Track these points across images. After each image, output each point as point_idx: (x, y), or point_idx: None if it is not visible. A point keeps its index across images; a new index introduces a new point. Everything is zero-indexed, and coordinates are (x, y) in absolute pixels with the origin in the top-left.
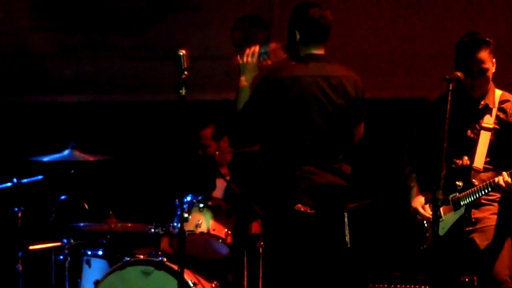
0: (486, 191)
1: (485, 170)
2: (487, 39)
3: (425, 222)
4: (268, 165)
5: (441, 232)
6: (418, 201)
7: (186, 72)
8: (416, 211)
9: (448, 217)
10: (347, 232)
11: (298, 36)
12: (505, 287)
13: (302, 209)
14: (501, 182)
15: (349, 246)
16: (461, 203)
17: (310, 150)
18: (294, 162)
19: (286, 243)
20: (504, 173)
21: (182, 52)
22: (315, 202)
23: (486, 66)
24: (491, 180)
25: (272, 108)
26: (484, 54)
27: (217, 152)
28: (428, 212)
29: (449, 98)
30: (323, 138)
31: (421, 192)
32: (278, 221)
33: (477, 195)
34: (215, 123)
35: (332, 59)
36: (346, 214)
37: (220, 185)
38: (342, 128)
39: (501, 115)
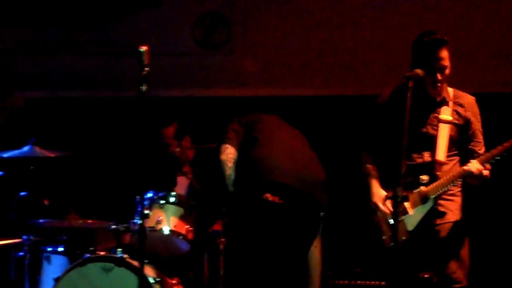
0: (453, 182)
1: (447, 162)
2: (445, 38)
3: (390, 220)
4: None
5: (410, 227)
6: (378, 196)
7: (147, 69)
8: (376, 206)
9: (416, 211)
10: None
11: None
12: (457, 284)
13: (270, 199)
14: (473, 169)
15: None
16: (430, 196)
17: None
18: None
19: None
20: (474, 161)
21: (143, 48)
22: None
23: (446, 63)
24: (462, 169)
25: None
26: (444, 52)
27: (177, 149)
28: (389, 207)
29: (409, 95)
30: None
31: (382, 188)
32: (246, 211)
33: (445, 187)
34: (177, 122)
35: None
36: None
37: (183, 183)
38: None
39: (459, 109)
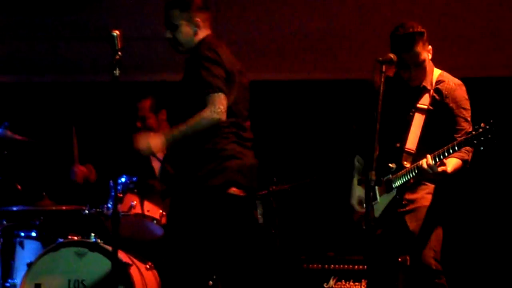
0: (413, 173)
1: (418, 152)
2: (420, 30)
3: (363, 203)
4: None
5: (376, 213)
6: (355, 197)
7: (119, 53)
8: (352, 208)
9: (382, 199)
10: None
11: None
12: (429, 268)
13: (236, 193)
14: (424, 165)
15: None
16: (393, 185)
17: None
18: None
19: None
20: (428, 156)
21: (116, 32)
22: (247, 184)
23: (421, 58)
24: (416, 164)
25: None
26: (418, 47)
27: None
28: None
29: (382, 79)
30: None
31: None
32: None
33: (407, 177)
34: (152, 96)
35: None
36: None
37: (156, 167)
38: None
39: (436, 96)
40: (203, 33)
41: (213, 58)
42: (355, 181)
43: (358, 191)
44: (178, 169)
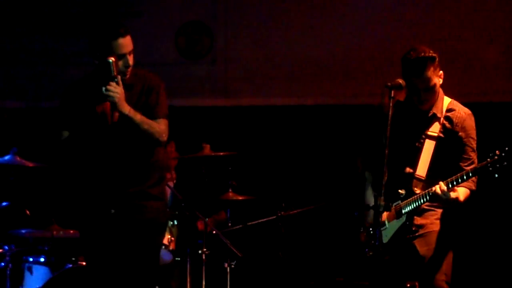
0: (425, 199)
1: (428, 178)
2: (431, 54)
3: (371, 229)
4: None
5: (385, 239)
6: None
7: (116, 79)
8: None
9: (391, 225)
10: None
11: None
12: None
13: None
14: (438, 191)
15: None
16: (403, 211)
17: None
18: None
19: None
20: (441, 182)
21: (111, 59)
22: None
23: (432, 83)
24: (429, 189)
25: None
26: (429, 72)
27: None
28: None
29: (391, 104)
30: None
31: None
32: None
33: (417, 203)
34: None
35: None
36: None
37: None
38: None
39: (447, 124)
40: None
41: None
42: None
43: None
44: None
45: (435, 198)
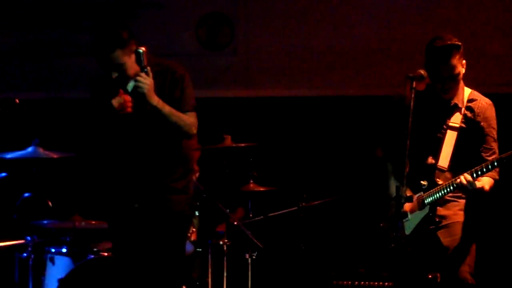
0: (448, 190)
1: (450, 169)
2: (457, 42)
3: (393, 220)
4: None
5: (407, 231)
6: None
7: (146, 69)
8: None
9: (414, 216)
10: None
11: None
12: (464, 283)
13: None
14: (463, 181)
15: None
16: (425, 202)
17: None
18: None
19: None
20: (465, 173)
21: (142, 49)
22: None
23: (456, 71)
24: (453, 180)
25: None
26: (454, 60)
27: None
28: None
29: (412, 95)
30: None
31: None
32: None
33: (440, 194)
34: None
35: None
36: None
37: None
38: None
39: (469, 114)
40: None
41: None
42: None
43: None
44: None
45: (460, 188)
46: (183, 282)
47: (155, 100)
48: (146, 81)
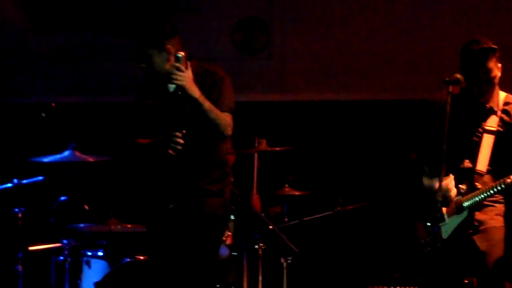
0: (489, 193)
1: (488, 173)
2: (493, 46)
3: (429, 224)
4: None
5: (444, 235)
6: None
7: (180, 56)
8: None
9: (451, 221)
10: None
11: None
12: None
13: None
14: None
15: None
16: (464, 206)
17: None
18: None
19: None
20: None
21: (181, 53)
22: None
23: (493, 74)
24: (501, 181)
25: None
26: (491, 63)
27: None
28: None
29: (449, 100)
30: None
31: None
32: None
33: (480, 198)
34: None
35: None
36: None
37: None
38: None
39: (505, 117)
40: None
41: None
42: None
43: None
44: None
45: (508, 191)
46: (217, 285)
47: (197, 93)
48: (183, 74)
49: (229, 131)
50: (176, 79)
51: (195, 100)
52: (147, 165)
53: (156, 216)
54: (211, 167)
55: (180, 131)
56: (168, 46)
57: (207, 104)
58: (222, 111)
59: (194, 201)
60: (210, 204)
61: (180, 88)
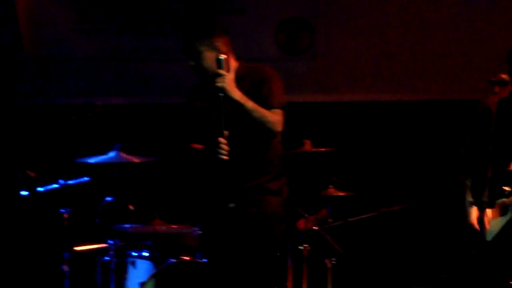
0: None
1: None
2: None
3: (473, 226)
4: None
5: (489, 237)
6: (473, 217)
7: (221, 58)
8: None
9: (495, 223)
10: None
11: None
12: None
13: None
14: None
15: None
16: (509, 208)
17: None
18: None
19: None
20: None
21: (223, 56)
22: None
23: None
24: None
25: None
26: None
27: None
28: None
29: (495, 101)
30: None
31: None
32: None
33: None
34: None
35: None
36: None
37: None
38: None
39: None
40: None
41: None
42: (467, 201)
43: (474, 211)
44: None
45: None
46: (276, 284)
47: (238, 95)
48: (224, 76)
49: (277, 127)
50: (217, 82)
51: (236, 102)
52: (203, 168)
53: (213, 216)
54: (266, 165)
55: (222, 134)
56: (218, 44)
57: (250, 104)
58: (272, 107)
59: (255, 200)
60: (270, 203)
61: (221, 90)
